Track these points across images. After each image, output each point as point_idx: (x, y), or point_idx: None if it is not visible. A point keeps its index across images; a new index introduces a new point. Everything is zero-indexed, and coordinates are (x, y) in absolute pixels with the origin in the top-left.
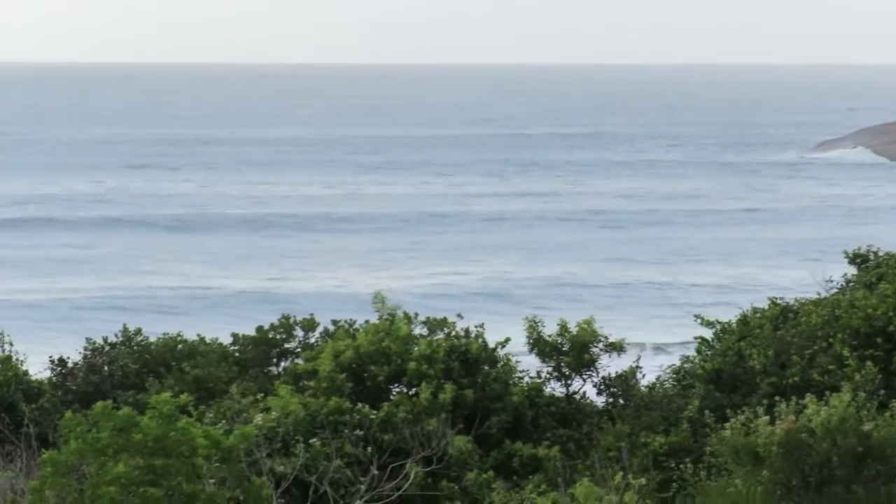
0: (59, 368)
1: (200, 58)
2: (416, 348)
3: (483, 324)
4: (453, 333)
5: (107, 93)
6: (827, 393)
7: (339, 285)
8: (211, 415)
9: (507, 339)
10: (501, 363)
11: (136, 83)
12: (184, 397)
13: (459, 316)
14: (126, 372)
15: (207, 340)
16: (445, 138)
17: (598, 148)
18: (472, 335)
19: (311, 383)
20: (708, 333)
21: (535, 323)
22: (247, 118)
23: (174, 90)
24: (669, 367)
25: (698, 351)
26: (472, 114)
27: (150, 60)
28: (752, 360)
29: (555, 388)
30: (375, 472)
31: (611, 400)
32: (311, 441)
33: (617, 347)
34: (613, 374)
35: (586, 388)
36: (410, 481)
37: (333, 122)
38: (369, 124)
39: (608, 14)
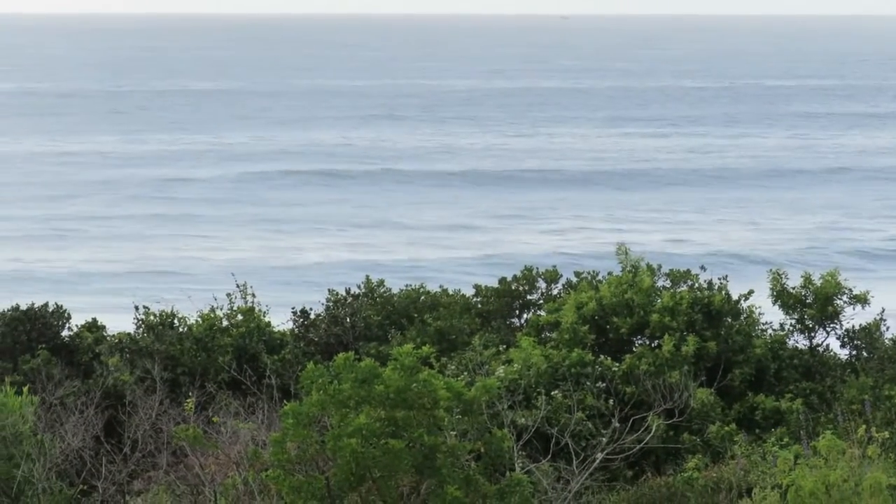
0: (302, 320)
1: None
2: (658, 300)
3: (727, 276)
4: (696, 285)
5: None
6: None
7: None
8: (453, 367)
9: (751, 291)
10: (744, 315)
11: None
12: (426, 349)
13: (703, 268)
14: (368, 323)
15: (450, 292)
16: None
17: None
18: (716, 287)
19: (553, 335)
20: None
21: (780, 275)
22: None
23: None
24: None
25: None
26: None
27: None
28: None
29: (798, 341)
30: (617, 424)
31: (854, 352)
32: (552, 393)
33: (861, 300)
34: (857, 327)
35: (829, 341)
36: (652, 434)
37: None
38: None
39: None
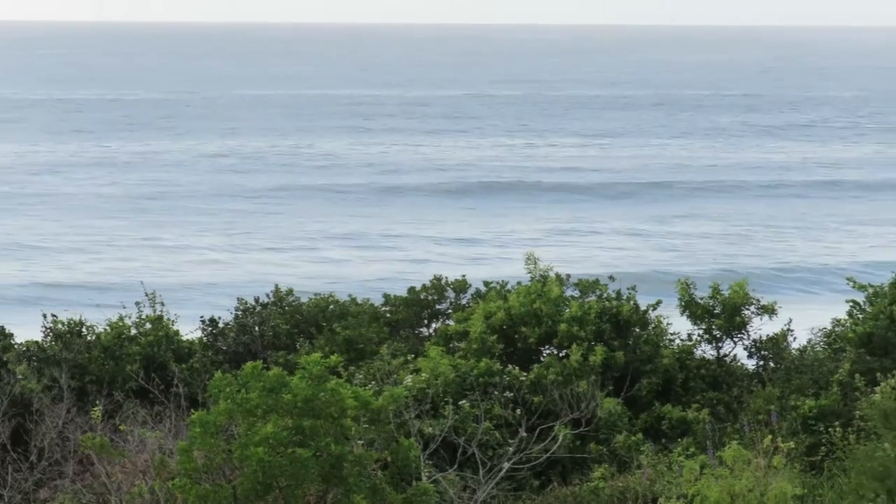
0: (210, 328)
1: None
2: (567, 310)
3: (635, 286)
4: (605, 295)
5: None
6: None
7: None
8: (361, 376)
9: (659, 302)
10: (652, 325)
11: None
12: (334, 358)
13: (611, 278)
14: (276, 332)
15: (359, 301)
16: None
17: None
18: (624, 297)
19: (462, 345)
20: (860, 297)
21: (688, 285)
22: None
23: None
24: (821, 329)
25: (850, 314)
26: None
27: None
28: None
29: (705, 351)
30: (524, 434)
31: (761, 363)
32: (460, 403)
33: (769, 310)
34: (764, 337)
35: (737, 351)
36: (559, 444)
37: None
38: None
39: None
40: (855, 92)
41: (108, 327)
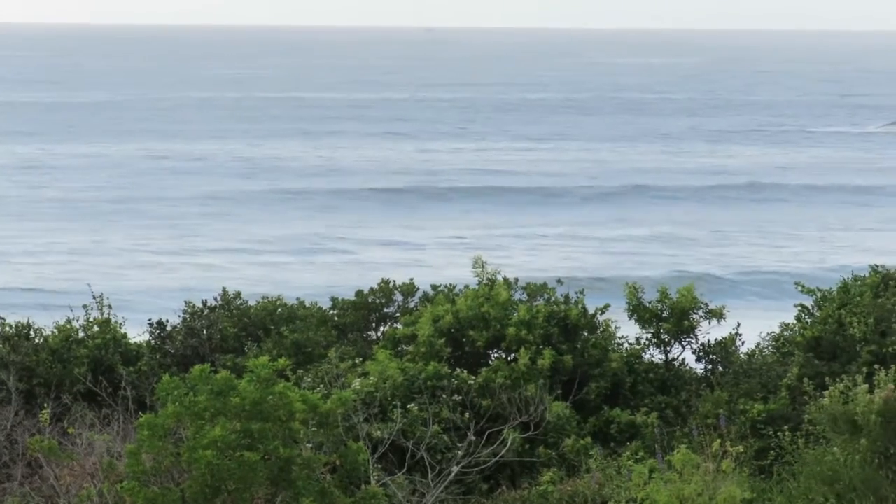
0: (158, 332)
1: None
2: (515, 314)
3: (583, 290)
4: (553, 299)
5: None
6: None
7: None
8: (309, 379)
9: (607, 306)
10: (601, 329)
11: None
12: (282, 361)
13: (559, 282)
14: (225, 335)
15: (307, 304)
16: None
17: None
18: (572, 301)
19: (410, 348)
20: (808, 301)
21: (636, 289)
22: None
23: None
24: (769, 334)
25: (798, 318)
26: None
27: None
28: (852, 328)
29: (654, 355)
30: (472, 437)
31: (710, 367)
32: (408, 406)
33: (717, 314)
34: (713, 341)
35: (685, 355)
36: (508, 447)
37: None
38: None
39: None
40: (794, 96)
41: (55, 330)
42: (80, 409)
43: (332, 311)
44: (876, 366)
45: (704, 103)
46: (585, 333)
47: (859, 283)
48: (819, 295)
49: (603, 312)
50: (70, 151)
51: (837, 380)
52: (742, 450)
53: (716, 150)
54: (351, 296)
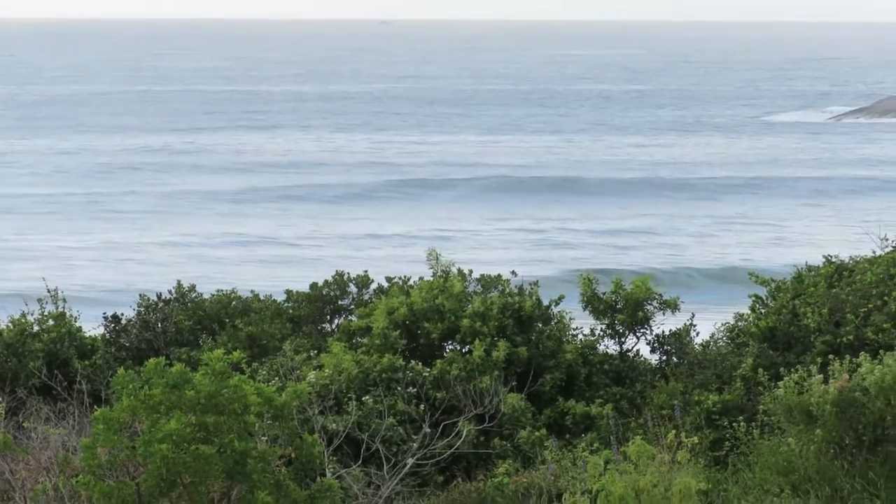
0: (113, 325)
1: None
2: (469, 306)
3: (537, 281)
4: (507, 291)
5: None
6: (881, 352)
7: None
8: (264, 372)
9: (561, 297)
10: (555, 320)
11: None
12: (236, 354)
13: (514, 273)
14: (179, 328)
15: (261, 297)
16: None
17: None
18: (526, 292)
19: (365, 340)
20: (762, 291)
21: (590, 280)
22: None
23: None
24: (724, 324)
25: (752, 309)
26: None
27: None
28: (807, 319)
29: (608, 346)
30: (428, 429)
31: (664, 358)
32: (363, 398)
33: (671, 305)
34: (667, 332)
35: (640, 346)
36: (463, 439)
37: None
38: None
39: None
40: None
41: (10, 324)
42: (35, 403)
43: (286, 304)
44: (830, 356)
45: (653, 95)
46: (540, 325)
47: (813, 273)
48: (773, 285)
49: (557, 304)
50: (13, 149)
51: (792, 370)
52: (697, 441)
53: (663, 142)
54: (306, 288)
